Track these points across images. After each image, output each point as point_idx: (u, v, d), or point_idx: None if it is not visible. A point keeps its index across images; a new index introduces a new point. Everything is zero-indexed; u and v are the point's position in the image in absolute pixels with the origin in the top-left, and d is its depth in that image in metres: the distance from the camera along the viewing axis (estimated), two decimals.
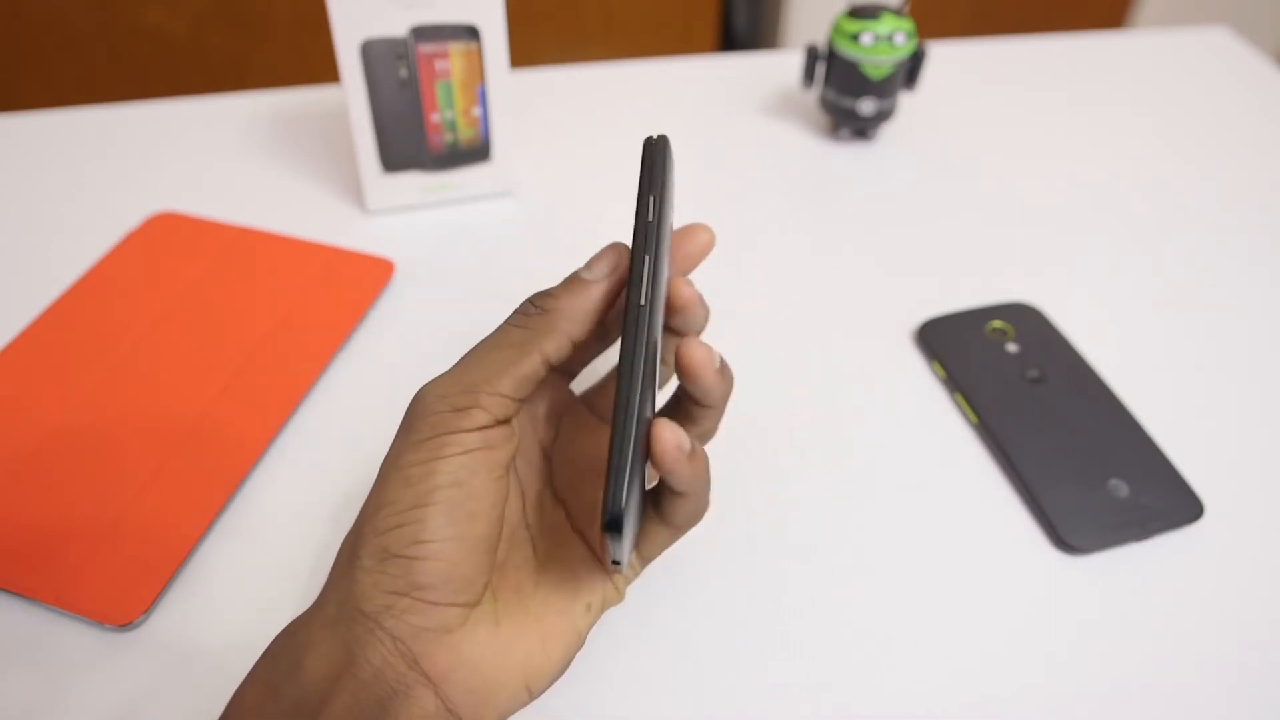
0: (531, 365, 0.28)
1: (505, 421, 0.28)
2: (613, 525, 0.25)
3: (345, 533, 0.36)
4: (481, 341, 0.29)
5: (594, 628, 0.34)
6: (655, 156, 0.29)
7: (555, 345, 0.28)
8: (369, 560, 0.26)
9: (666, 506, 0.29)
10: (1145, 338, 0.46)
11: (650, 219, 0.28)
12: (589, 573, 0.30)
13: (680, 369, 0.28)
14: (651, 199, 0.28)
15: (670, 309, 0.30)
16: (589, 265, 0.29)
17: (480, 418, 0.27)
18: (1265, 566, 0.37)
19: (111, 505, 0.36)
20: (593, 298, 0.29)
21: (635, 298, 0.27)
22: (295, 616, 0.28)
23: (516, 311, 0.29)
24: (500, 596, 0.28)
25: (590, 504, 0.32)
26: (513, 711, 0.28)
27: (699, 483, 0.28)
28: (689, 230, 0.33)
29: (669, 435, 0.26)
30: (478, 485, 0.27)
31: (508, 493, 0.29)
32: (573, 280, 0.29)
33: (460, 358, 0.29)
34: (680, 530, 0.30)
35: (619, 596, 0.31)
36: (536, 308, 0.29)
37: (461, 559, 0.26)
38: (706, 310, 0.31)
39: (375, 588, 0.26)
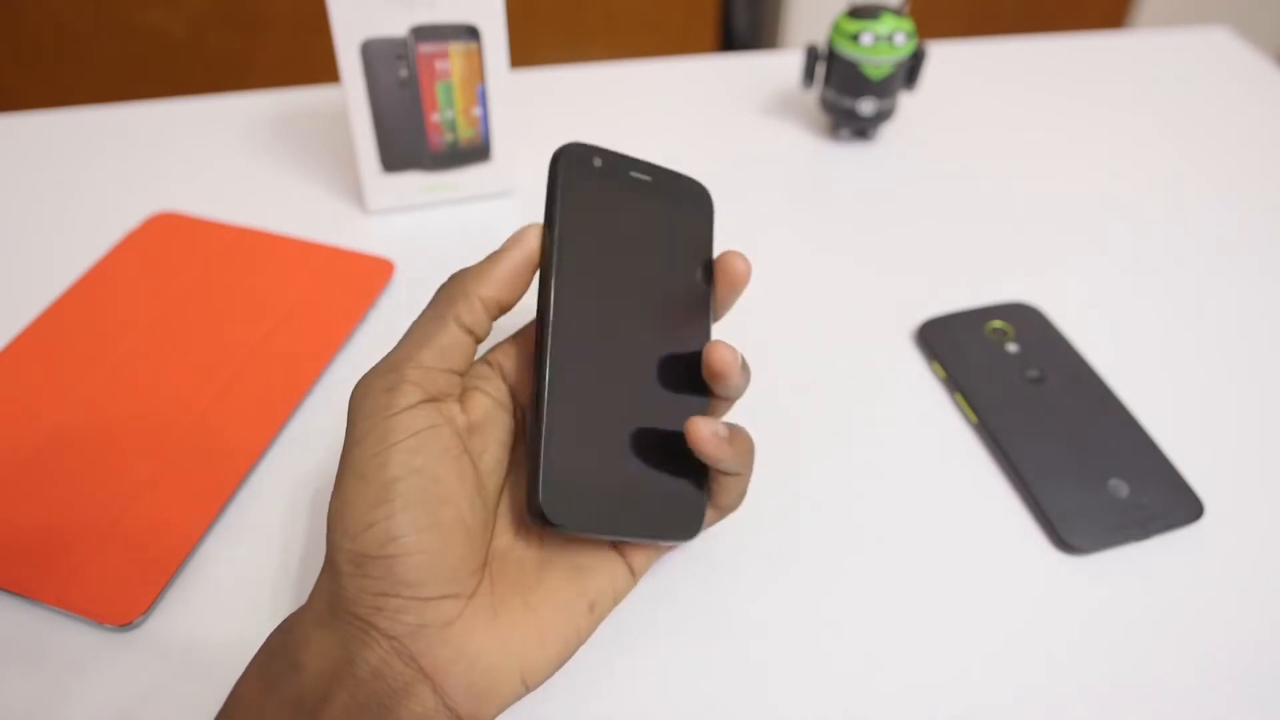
0: (450, 333, 0.28)
1: (442, 399, 0.28)
2: (539, 516, 0.27)
3: None
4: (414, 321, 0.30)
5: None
6: (559, 173, 0.31)
7: (466, 307, 0.29)
8: (348, 566, 0.26)
9: (715, 491, 0.31)
10: (1145, 338, 0.46)
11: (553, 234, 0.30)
12: (597, 567, 0.30)
13: (709, 371, 0.30)
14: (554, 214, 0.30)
15: (706, 374, 0.30)
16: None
17: (411, 393, 0.27)
18: (1265, 566, 0.37)
19: (111, 505, 0.36)
20: (502, 260, 0.30)
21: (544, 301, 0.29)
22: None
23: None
24: (498, 588, 0.28)
25: None
26: (510, 704, 0.28)
27: (745, 459, 0.30)
28: (722, 262, 0.32)
29: (702, 427, 0.28)
30: (436, 469, 0.27)
31: (473, 470, 0.29)
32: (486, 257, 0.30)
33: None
34: (725, 512, 0.32)
35: (633, 581, 0.32)
36: (447, 281, 0.30)
37: (441, 547, 0.26)
38: (747, 376, 0.31)
39: (362, 592, 0.26)
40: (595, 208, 0.31)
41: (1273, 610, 0.36)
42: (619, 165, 0.32)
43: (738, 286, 0.32)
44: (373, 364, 0.43)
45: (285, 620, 0.27)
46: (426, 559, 0.26)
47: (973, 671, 0.33)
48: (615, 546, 0.31)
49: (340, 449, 0.39)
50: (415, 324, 0.30)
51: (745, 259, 0.31)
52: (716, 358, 0.29)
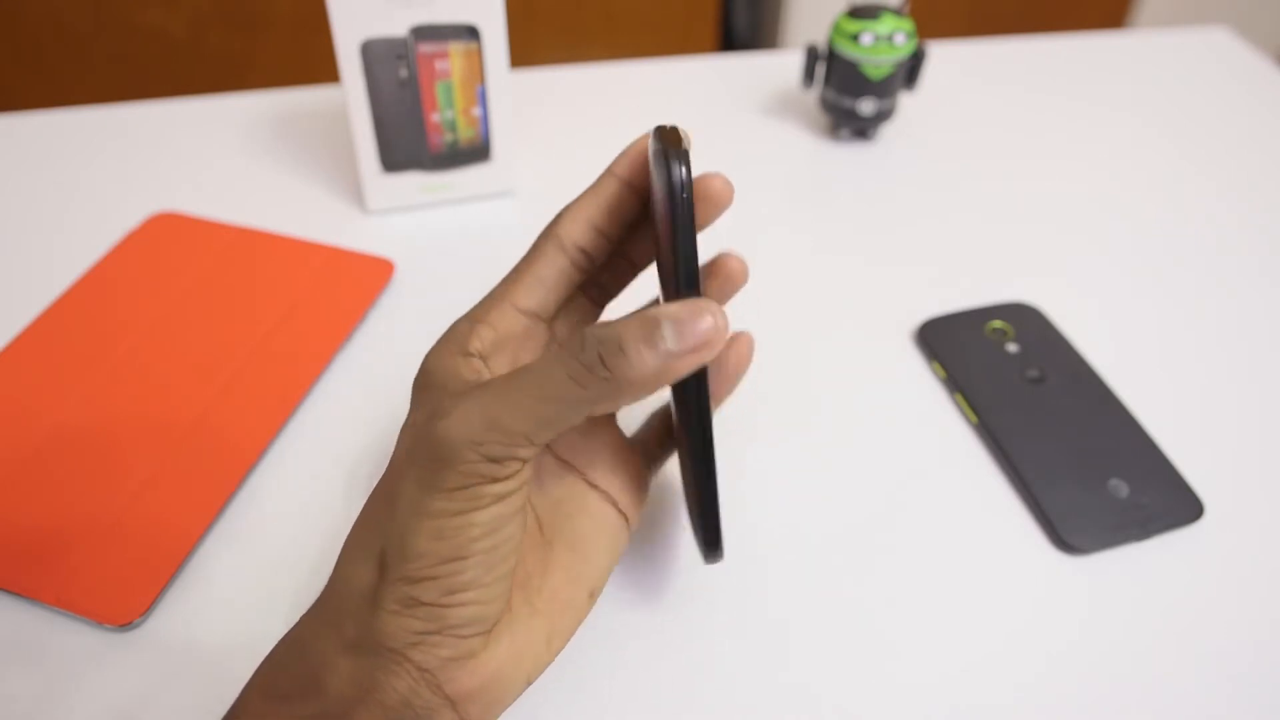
0: (576, 422, 0.25)
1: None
2: (716, 551, 0.29)
3: (345, 532, 0.36)
4: (526, 377, 0.25)
5: (588, 625, 0.34)
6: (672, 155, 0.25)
7: (608, 408, 0.25)
8: (394, 604, 0.25)
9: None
10: (1145, 338, 0.46)
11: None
12: (596, 549, 0.30)
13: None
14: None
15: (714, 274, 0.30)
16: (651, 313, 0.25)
17: (514, 468, 0.25)
18: (1265, 566, 0.37)
19: (111, 505, 0.36)
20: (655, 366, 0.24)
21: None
22: (298, 622, 0.28)
23: (577, 359, 0.24)
24: (514, 605, 0.28)
25: (607, 461, 0.32)
26: (512, 703, 0.28)
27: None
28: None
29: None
30: (510, 528, 0.26)
31: (533, 516, 0.29)
32: (647, 326, 0.24)
33: (496, 385, 0.25)
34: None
35: (628, 535, 0.32)
36: (605, 369, 0.24)
37: (494, 598, 0.26)
38: (745, 269, 0.31)
39: (402, 630, 0.25)
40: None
41: (1273, 610, 0.36)
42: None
43: (720, 206, 0.30)
44: (373, 364, 0.43)
45: (296, 633, 0.27)
46: (478, 609, 0.26)
47: (973, 671, 0.33)
48: (608, 498, 0.31)
49: (348, 446, 0.40)
50: (544, 391, 0.24)
51: (725, 180, 0.29)
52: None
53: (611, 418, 0.33)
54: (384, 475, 0.27)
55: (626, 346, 0.24)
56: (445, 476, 0.24)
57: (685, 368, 0.24)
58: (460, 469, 0.24)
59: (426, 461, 0.25)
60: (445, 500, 0.24)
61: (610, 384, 0.24)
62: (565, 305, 0.31)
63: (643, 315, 0.24)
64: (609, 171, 0.30)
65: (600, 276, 0.32)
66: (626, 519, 0.32)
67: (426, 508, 0.25)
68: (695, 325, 0.24)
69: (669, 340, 0.24)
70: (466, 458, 0.24)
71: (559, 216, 0.30)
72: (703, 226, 0.30)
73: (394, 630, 0.25)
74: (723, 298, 0.32)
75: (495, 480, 0.25)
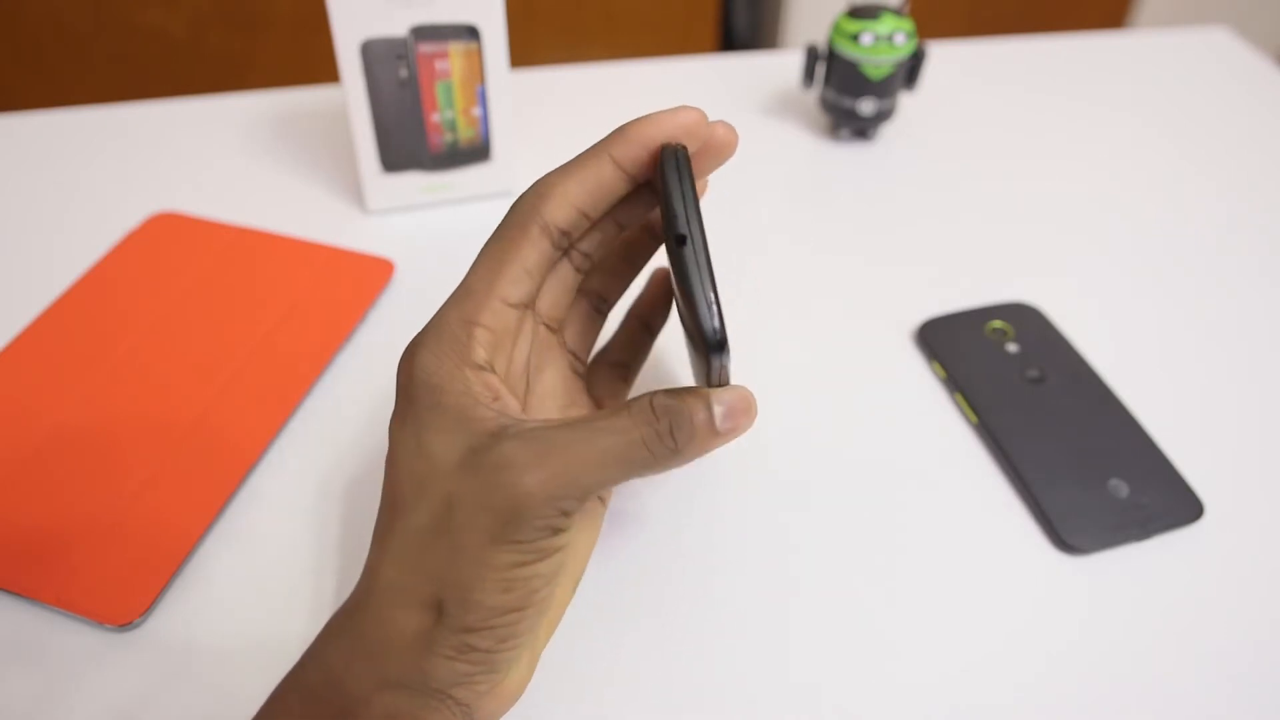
0: (624, 480, 0.26)
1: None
2: (720, 346, 0.25)
3: (346, 533, 0.36)
4: (601, 437, 0.26)
5: (588, 626, 0.34)
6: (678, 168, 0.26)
7: (653, 473, 0.27)
8: (449, 651, 0.25)
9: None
10: (1145, 338, 0.46)
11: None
12: (584, 539, 0.31)
13: None
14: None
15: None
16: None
17: (575, 520, 0.26)
18: (1265, 566, 0.37)
19: (111, 505, 0.36)
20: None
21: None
22: (320, 647, 0.27)
23: (653, 427, 0.26)
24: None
25: None
26: None
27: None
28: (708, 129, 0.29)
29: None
30: (563, 575, 0.27)
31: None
32: (707, 408, 0.27)
33: (566, 440, 0.25)
34: None
35: (604, 512, 0.32)
36: (673, 440, 0.26)
37: (536, 638, 0.27)
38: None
39: (453, 673, 0.26)
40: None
41: (1273, 610, 0.36)
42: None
43: (724, 156, 0.30)
44: (373, 364, 0.43)
45: (326, 665, 0.27)
46: (522, 651, 0.27)
47: (973, 671, 0.33)
48: None
49: (348, 446, 0.40)
50: (618, 453, 0.26)
51: (729, 127, 0.29)
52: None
53: (586, 395, 0.34)
54: (414, 503, 0.26)
55: (687, 424, 0.26)
56: (518, 530, 0.25)
57: (725, 443, 0.27)
58: (536, 523, 0.25)
59: (501, 513, 0.25)
60: (514, 553, 0.25)
61: (672, 453, 0.26)
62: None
63: (701, 396, 0.27)
64: (604, 153, 0.28)
65: (582, 244, 0.31)
66: (603, 499, 0.32)
67: (493, 560, 0.25)
68: (739, 408, 0.27)
69: (719, 422, 0.27)
70: (545, 513, 0.25)
71: (542, 196, 0.28)
72: (705, 174, 0.30)
73: (444, 674, 0.26)
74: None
75: (559, 531, 0.25)
